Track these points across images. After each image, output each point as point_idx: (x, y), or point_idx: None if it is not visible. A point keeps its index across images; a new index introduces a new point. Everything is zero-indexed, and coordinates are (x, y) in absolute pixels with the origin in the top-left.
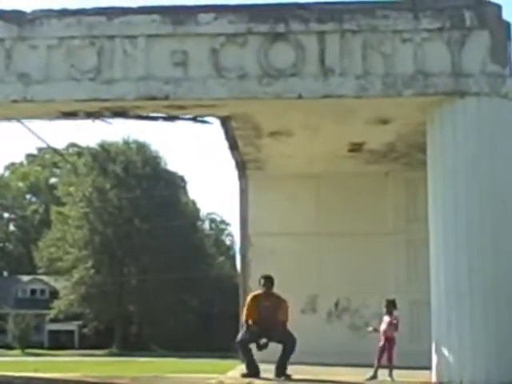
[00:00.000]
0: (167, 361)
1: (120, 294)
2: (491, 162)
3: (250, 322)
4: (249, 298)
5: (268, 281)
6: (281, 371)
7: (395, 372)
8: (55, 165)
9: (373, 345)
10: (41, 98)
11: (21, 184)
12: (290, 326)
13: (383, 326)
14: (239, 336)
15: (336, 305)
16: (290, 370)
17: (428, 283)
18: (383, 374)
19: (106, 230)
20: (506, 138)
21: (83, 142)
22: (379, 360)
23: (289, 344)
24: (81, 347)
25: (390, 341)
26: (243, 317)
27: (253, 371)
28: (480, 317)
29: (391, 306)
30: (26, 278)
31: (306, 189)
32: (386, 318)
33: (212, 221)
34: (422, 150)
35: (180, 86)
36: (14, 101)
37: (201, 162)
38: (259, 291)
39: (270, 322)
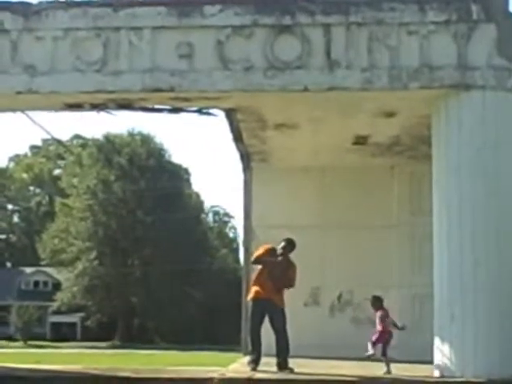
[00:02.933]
0: (170, 353)
1: (123, 286)
2: (496, 156)
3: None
4: (265, 246)
5: (291, 243)
6: (283, 365)
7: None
8: (59, 156)
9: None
10: (46, 90)
11: (25, 175)
12: (292, 319)
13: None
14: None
15: (339, 298)
16: (292, 363)
17: (432, 277)
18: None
19: (109, 221)
20: (511, 131)
21: (88, 134)
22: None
23: (280, 335)
24: (83, 339)
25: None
26: (254, 255)
27: (256, 357)
28: (483, 311)
29: (378, 302)
30: (29, 269)
31: (311, 182)
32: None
33: (215, 213)
34: (427, 144)
35: (185, 78)
36: (19, 92)
37: (205, 154)
38: (276, 246)
39: (279, 278)
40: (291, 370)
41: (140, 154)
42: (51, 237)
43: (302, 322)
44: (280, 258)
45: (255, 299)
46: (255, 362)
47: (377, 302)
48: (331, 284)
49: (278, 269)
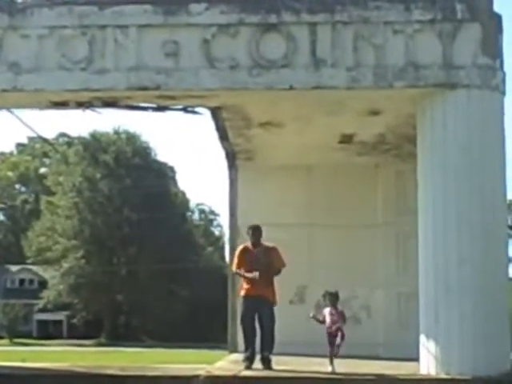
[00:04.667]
0: (156, 351)
1: (109, 284)
2: (481, 154)
3: (241, 271)
4: (237, 249)
5: (256, 231)
6: (267, 364)
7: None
8: (45, 154)
9: (363, 336)
10: (31, 88)
11: (10, 173)
12: (278, 317)
13: (330, 318)
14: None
15: (324, 296)
16: (278, 360)
17: (417, 275)
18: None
19: (95, 219)
20: (496, 130)
21: (74, 132)
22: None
23: (266, 332)
24: (69, 337)
25: (341, 332)
26: (233, 266)
27: (251, 354)
28: (468, 309)
29: (335, 298)
30: (14, 267)
31: (296, 180)
32: (330, 310)
33: (201, 211)
34: (412, 142)
35: (171, 77)
36: (4, 90)
37: (190, 152)
38: (247, 243)
39: (266, 269)
40: (269, 367)
41: (126, 153)
42: (37, 235)
43: (287, 319)
44: (256, 249)
45: (245, 296)
46: (249, 360)
47: (335, 299)
48: (317, 282)
49: (260, 260)
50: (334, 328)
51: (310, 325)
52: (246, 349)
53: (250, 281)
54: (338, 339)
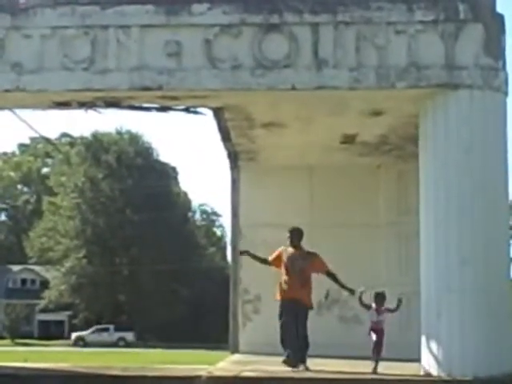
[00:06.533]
0: (157, 352)
1: (111, 284)
2: (483, 155)
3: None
4: (280, 249)
5: (296, 233)
6: (300, 361)
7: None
8: (48, 155)
9: (362, 337)
10: (34, 88)
11: (13, 174)
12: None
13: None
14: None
15: (326, 296)
16: (279, 361)
17: (419, 275)
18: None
19: (97, 220)
20: (498, 131)
21: (76, 132)
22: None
23: (301, 337)
24: (71, 337)
25: (382, 333)
26: (270, 258)
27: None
28: (470, 309)
29: (381, 298)
30: (16, 267)
31: (299, 180)
32: (376, 307)
33: (203, 212)
34: (414, 143)
35: (173, 77)
36: (7, 90)
37: (193, 152)
38: (289, 246)
39: (302, 272)
40: (306, 368)
41: (128, 153)
42: (39, 235)
43: None
44: (294, 252)
45: (282, 299)
46: (292, 361)
47: (382, 299)
48: (318, 282)
49: (296, 263)
50: (379, 327)
51: (311, 325)
52: (286, 350)
53: (286, 284)
54: (380, 340)
